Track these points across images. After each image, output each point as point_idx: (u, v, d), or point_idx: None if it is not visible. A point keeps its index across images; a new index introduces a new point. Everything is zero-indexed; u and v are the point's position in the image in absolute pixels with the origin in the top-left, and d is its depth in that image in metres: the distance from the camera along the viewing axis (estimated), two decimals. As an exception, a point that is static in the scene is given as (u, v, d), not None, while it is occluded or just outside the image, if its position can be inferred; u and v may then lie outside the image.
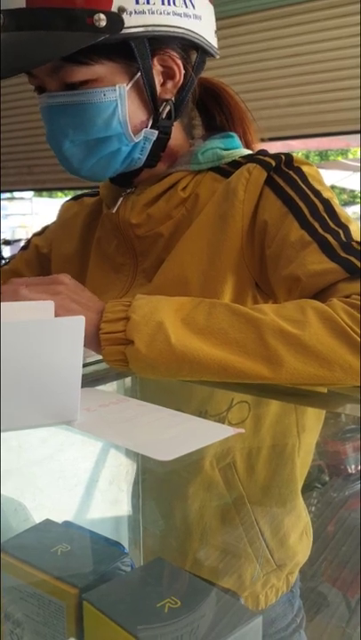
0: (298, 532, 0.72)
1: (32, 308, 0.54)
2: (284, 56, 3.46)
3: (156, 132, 0.77)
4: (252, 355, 0.57)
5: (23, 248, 1.01)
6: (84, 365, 0.63)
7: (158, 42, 0.73)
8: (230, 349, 0.58)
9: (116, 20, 0.68)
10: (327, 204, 0.70)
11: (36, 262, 0.97)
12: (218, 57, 0.81)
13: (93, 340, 0.61)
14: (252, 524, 0.69)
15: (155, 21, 0.71)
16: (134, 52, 0.72)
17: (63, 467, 0.66)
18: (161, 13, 0.72)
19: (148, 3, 0.70)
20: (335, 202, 0.72)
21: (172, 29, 0.73)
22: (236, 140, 0.83)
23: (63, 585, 0.42)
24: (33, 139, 4.53)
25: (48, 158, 4.89)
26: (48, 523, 0.51)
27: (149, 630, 0.35)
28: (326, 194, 0.72)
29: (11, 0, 0.70)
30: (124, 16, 0.69)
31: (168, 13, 0.72)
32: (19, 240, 6.82)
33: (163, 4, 0.71)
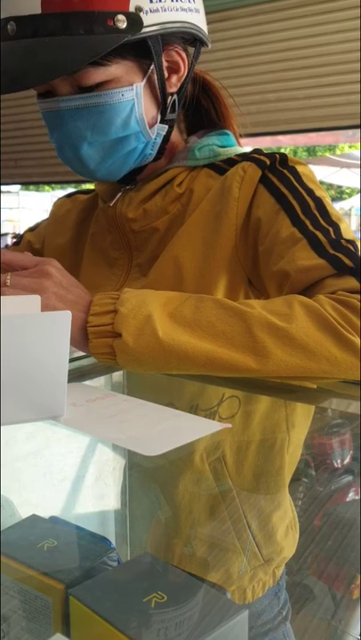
0: (284, 526, 0.73)
1: (18, 301, 0.54)
2: (272, 51, 3.46)
3: (166, 126, 0.78)
4: (239, 347, 0.57)
5: (15, 244, 1.01)
6: (71, 360, 0.63)
7: (168, 38, 0.74)
8: (217, 342, 0.58)
9: (135, 19, 0.69)
10: (319, 203, 0.71)
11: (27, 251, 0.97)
12: (210, 46, 0.82)
13: (79, 335, 0.61)
14: (241, 519, 0.69)
15: (167, 18, 0.72)
16: (151, 50, 0.72)
17: (50, 462, 0.66)
18: (171, 10, 0.72)
19: (160, 0, 0.71)
20: (327, 201, 0.72)
21: (181, 25, 0.74)
22: (232, 138, 0.84)
23: (49, 580, 0.42)
24: (20, 132, 4.50)
25: (35, 152, 4.86)
26: (34, 518, 0.50)
27: (136, 625, 0.35)
28: (319, 192, 0.73)
29: (21, 6, 0.68)
30: (142, 15, 0.69)
31: (177, 10, 0.73)
32: (6, 234, 6.78)
33: (172, 0, 0.72)
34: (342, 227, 0.69)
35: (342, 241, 0.66)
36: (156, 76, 0.74)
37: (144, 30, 0.69)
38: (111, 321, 0.59)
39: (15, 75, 0.67)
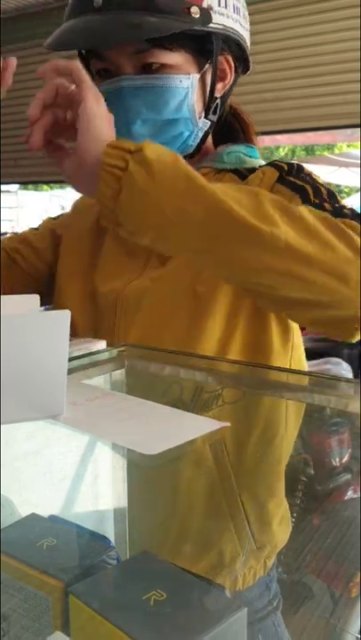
0: (278, 516, 0.74)
1: (17, 301, 0.54)
2: (270, 50, 3.46)
3: (209, 122, 0.85)
4: (248, 210, 0.62)
5: (34, 229, 1.04)
6: (70, 359, 0.63)
7: (225, 43, 0.82)
8: (230, 199, 0.62)
9: (206, 14, 0.77)
10: (331, 193, 0.79)
11: (48, 236, 1.00)
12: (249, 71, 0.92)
13: (90, 157, 0.66)
14: (237, 504, 0.70)
15: (229, 24, 0.80)
16: (213, 46, 0.80)
17: (49, 461, 0.66)
18: (232, 19, 0.81)
19: (226, 7, 0.80)
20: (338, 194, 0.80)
21: (237, 35, 0.82)
22: (257, 152, 0.91)
23: (49, 579, 0.42)
24: (19, 131, 4.49)
25: (34, 151, 4.85)
26: (34, 517, 0.51)
27: (135, 623, 0.36)
28: (330, 186, 0.80)
29: None
30: (211, 13, 0.77)
31: (236, 21, 0.82)
32: (4, 234, 6.77)
33: (233, 12, 0.81)
34: (348, 208, 0.74)
35: (345, 210, 0.72)
36: (209, 76, 0.82)
37: (211, 26, 0.77)
38: (132, 147, 0.64)
39: (96, 35, 0.75)
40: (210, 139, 0.90)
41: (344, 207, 0.73)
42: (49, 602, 0.41)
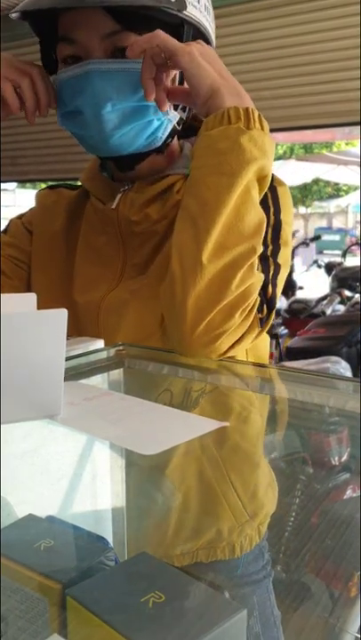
0: (265, 484, 0.76)
1: (14, 300, 0.54)
2: (268, 48, 3.46)
3: (178, 115, 0.85)
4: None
5: (4, 232, 1.03)
6: (68, 359, 0.62)
7: (195, 38, 0.82)
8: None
9: (182, 1, 0.78)
10: (277, 223, 0.83)
11: (23, 232, 0.99)
12: None
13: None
14: (227, 482, 0.71)
15: (202, 19, 0.82)
16: (185, 37, 0.80)
17: (46, 461, 0.65)
18: (204, 16, 0.83)
19: (198, 3, 0.81)
20: (285, 227, 0.84)
21: (208, 33, 0.84)
22: None
23: (46, 580, 0.41)
24: (16, 129, 4.48)
25: (32, 149, 4.84)
26: (31, 518, 0.50)
27: (133, 625, 0.35)
28: (284, 216, 0.84)
29: None
30: (186, 2, 0.79)
31: (206, 19, 0.84)
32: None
33: (205, 10, 0.83)
34: (282, 250, 0.81)
35: (271, 259, 0.79)
36: None
37: (185, 13, 0.78)
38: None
39: None
40: (176, 140, 0.90)
41: (279, 249, 0.79)
42: (46, 604, 0.41)
